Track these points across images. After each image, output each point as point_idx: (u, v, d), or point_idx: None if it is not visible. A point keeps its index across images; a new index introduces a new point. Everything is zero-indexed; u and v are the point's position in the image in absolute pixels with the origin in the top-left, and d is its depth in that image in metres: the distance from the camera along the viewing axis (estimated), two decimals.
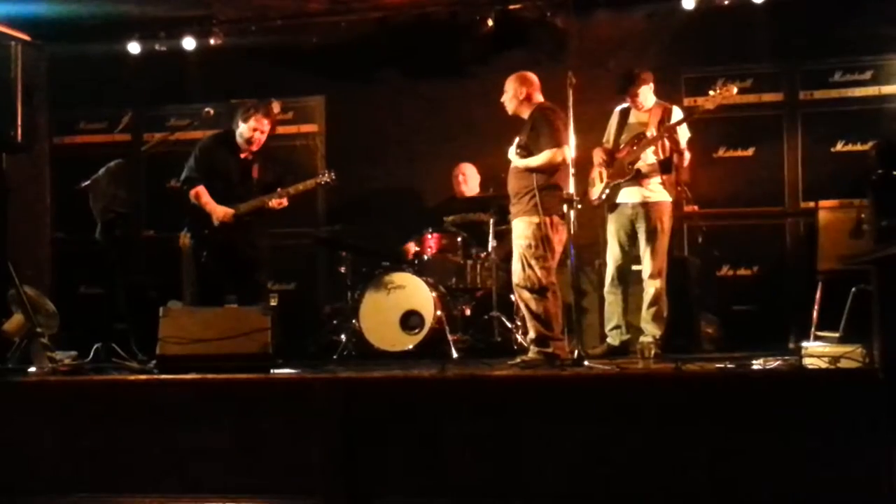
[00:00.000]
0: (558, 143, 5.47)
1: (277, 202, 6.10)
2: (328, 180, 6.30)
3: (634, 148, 6.09)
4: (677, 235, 6.65)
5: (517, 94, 5.72)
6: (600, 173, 6.20)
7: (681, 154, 6.06)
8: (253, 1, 7.60)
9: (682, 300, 6.44)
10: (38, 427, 4.74)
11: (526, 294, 5.53)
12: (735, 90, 6.06)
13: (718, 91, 6.01)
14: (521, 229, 5.56)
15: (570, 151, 5.49)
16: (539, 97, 5.74)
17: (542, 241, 5.48)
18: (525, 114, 5.72)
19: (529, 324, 5.56)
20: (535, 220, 5.51)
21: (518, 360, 5.56)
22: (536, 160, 5.53)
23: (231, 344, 5.11)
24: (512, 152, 5.67)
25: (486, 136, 6.51)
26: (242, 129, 6.15)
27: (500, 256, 6.81)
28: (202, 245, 6.10)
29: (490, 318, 6.71)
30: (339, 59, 7.73)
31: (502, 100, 5.78)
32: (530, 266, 5.51)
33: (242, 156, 6.21)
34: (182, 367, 4.98)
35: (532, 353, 5.50)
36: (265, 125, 6.18)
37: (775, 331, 6.08)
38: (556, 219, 5.50)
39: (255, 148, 6.19)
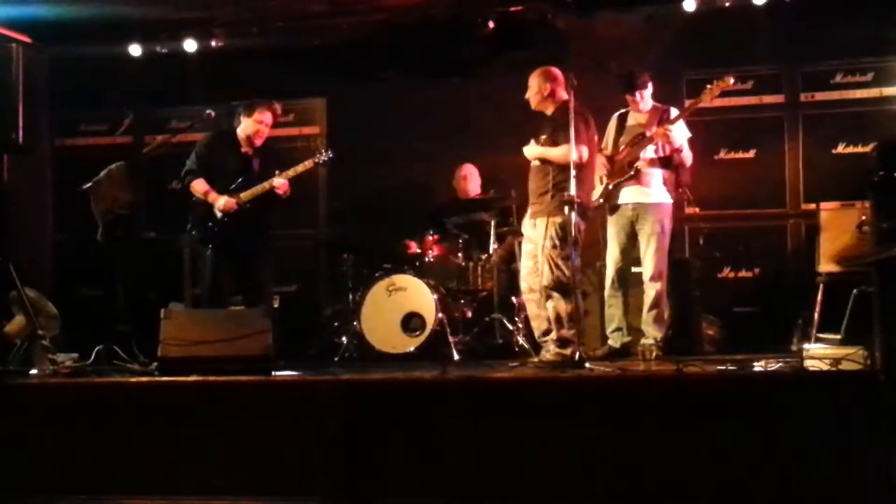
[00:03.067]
0: (577, 140, 5.42)
1: (279, 185, 6.07)
2: (325, 159, 6.28)
3: (634, 147, 6.09)
4: (678, 237, 6.65)
5: (542, 90, 5.68)
6: (601, 177, 6.20)
7: (678, 152, 6.05)
8: (254, 3, 7.60)
9: (684, 302, 6.45)
10: (39, 429, 4.73)
11: (555, 295, 5.51)
12: (731, 80, 6.04)
13: (715, 83, 6.00)
14: (544, 229, 5.55)
15: (585, 152, 5.47)
16: (563, 94, 5.65)
17: (566, 240, 5.47)
18: (549, 110, 5.70)
19: (554, 325, 5.54)
20: (558, 219, 5.49)
21: (535, 359, 5.56)
22: (553, 151, 5.53)
23: (232, 346, 5.11)
24: (530, 146, 5.66)
25: (488, 138, 6.52)
26: (246, 124, 6.17)
27: (501, 258, 6.81)
28: (207, 241, 6.10)
29: (491, 320, 6.72)
30: (341, 61, 7.74)
31: (526, 96, 5.75)
32: (558, 267, 5.48)
33: (243, 151, 6.22)
34: (183, 370, 4.98)
35: (550, 354, 5.51)
36: (269, 118, 6.21)
37: (776, 333, 6.08)
38: (577, 217, 5.46)
39: (257, 143, 6.21)
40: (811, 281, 6.05)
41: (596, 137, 5.82)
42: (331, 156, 6.28)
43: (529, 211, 5.80)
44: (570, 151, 5.40)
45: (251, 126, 6.15)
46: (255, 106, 6.17)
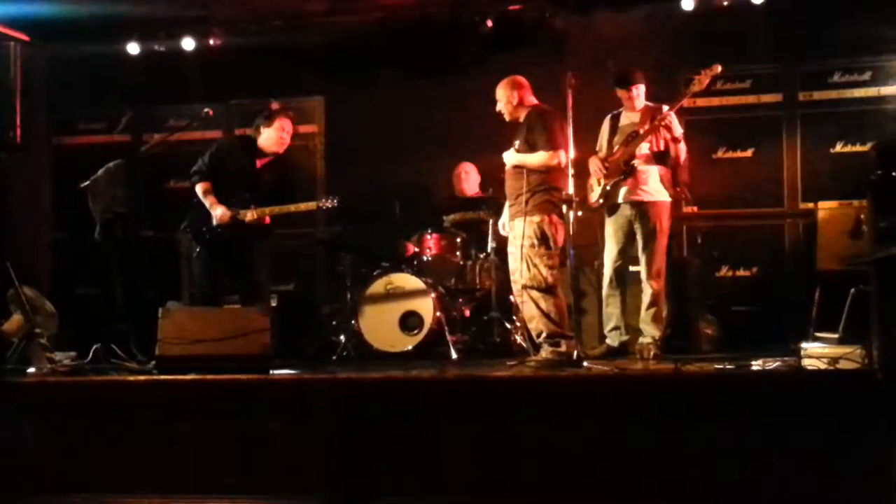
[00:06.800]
0: (554, 145, 5.48)
1: (251, 215, 6.04)
2: (329, 205, 6.20)
3: (629, 146, 6.08)
4: (676, 236, 6.65)
5: (510, 100, 5.71)
6: (598, 179, 6.20)
7: (677, 142, 6.03)
8: (252, 1, 7.60)
9: (682, 301, 6.44)
10: (37, 427, 4.74)
11: (535, 293, 5.51)
12: (719, 67, 6.02)
13: (704, 73, 5.99)
14: (522, 229, 5.56)
15: (564, 155, 5.49)
16: (532, 99, 5.74)
17: (544, 239, 5.49)
18: (521, 117, 5.73)
19: (540, 323, 5.52)
20: (536, 219, 5.52)
21: (530, 360, 5.55)
22: (531, 158, 5.55)
23: (230, 344, 5.11)
24: (508, 153, 5.69)
25: (486, 136, 6.51)
26: (269, 133, 6.13)
27: (499, 257, 6.81)
28: (198, 242, 6.11)
29: (489, 318, 6.72)
30: (339, 60, 7.73)
31: (497, 108, 5.78)
32: (535, 265, 5.50)
33: (258, 163, 6.20)
34: (181, 368, 4.98)
35: (545, 352, 5.49)
36: (289, 126, 6.21)
37: (774, 332, 6.07)
38: (555, 217, 5.52)
39: (281, 150, 6.18)
40: (809, 280, 6.06)
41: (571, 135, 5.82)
42: (336, 203, 6.20)
43: (507, 213, 5.83)
44: (548, 156, 5.48)
45: (274, 134, 6.13)
46: (275, 115, 6.17)
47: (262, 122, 6.18)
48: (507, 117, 5.77)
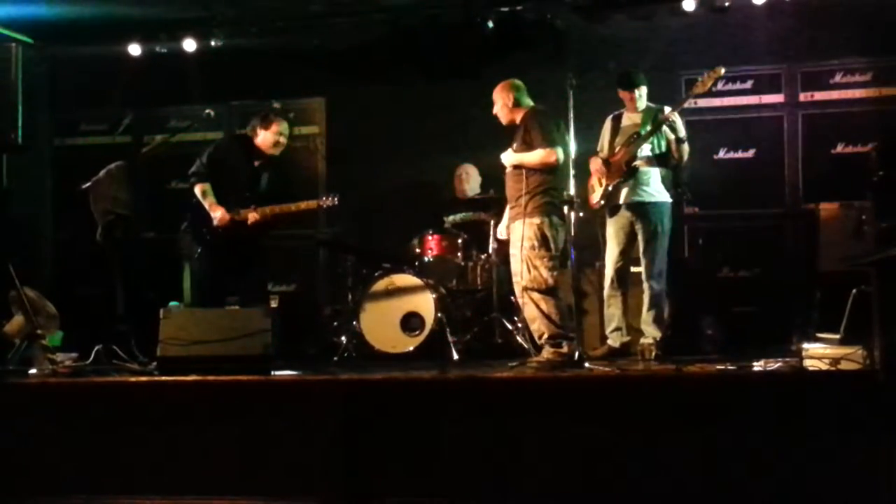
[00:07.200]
0: (550, 142, 5.49)
1: (252, 216, 6.05)
2: (330, 203, 6.23)
3: (630, 147, 6.09)
4: (678, 237, 6.64)
5: (506, 103, 5.73)
6: (599, 179, 6.21)
7: (681, 143, 6.03)
8: (253, 2, 7.60)
9: (683, 302, 6.44)
10: (38, 429, 4.74)
11: (536, 295, 5.51)
12: (722, 70, 6.02)
13: (707, 74, 5.99)
14: (523, 231, 5.56)
15: (561, 152, 5.51)
16: (528, 101, 5.75)
17: (544, 241, 5.50)
18: (518, 119, 5.74)
19: (542, 324, 5.52)
20: (536, 221, 5.52)
21: (531, 361, 5.54)
22: (529, 157, 5.55)
23: (232, 346, 5.11)
24: (506, 154, 5.69)
25: (487, 137, 6.51)
26: (265, 136, 6.16)
27: (500, 258, 6.81)
28: (198, 243, 6.12)
29: (490, 319, 6.71)
30: (340, 61, 7.74)
31: (494, 111, 5.79)
32: (535, 267, 5.51)
33: (256, 163, 6.21)
34: (183, 369, 4.98)
35: (547, 353, 5.49)
36: (287, 129, 6.21)
37: (776, 332, 6.07)
38: (555, 219, 5.52)
39: (277, 152, 6.20)
40: (810, 280, 6.05)
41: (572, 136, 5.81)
42: (337, 202, 6.22)
43: (508, 216, 5.83)
44: (545, 153, 5.48)
45: (270, 138, 6.15)
46: (272, 118, 6.17)
47: (259, 124, 6.20)
48: (503, 120, 5.79)
